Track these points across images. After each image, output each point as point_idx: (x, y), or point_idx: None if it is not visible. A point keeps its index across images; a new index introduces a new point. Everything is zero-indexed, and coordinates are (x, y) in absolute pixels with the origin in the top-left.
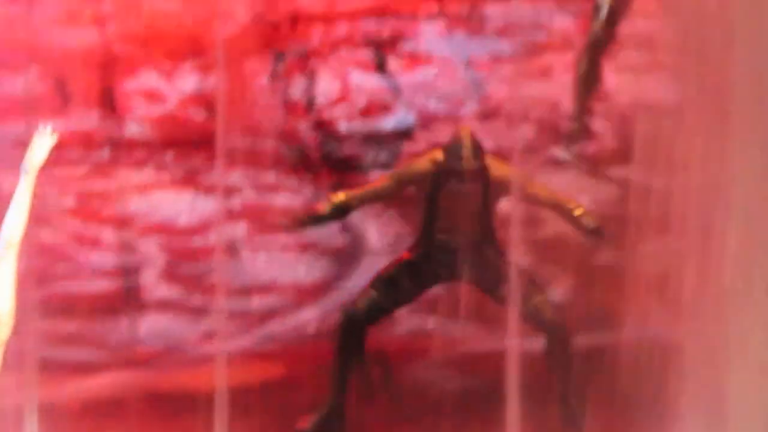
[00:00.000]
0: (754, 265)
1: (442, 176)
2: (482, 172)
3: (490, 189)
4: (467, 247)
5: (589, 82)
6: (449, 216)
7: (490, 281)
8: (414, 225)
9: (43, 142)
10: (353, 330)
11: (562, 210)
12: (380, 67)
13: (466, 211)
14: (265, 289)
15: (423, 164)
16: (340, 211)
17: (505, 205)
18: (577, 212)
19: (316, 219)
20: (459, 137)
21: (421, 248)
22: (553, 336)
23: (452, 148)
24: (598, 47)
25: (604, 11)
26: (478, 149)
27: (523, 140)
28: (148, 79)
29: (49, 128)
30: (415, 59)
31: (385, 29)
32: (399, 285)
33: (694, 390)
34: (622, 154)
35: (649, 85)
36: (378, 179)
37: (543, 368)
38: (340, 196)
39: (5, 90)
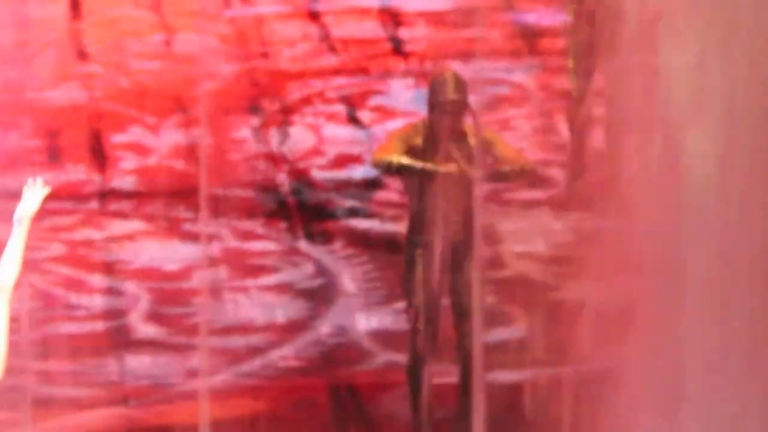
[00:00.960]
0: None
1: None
2: (463, 104)
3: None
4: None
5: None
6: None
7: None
8: (387, 270)
9: (33, 194)
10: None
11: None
12: (352, 120)
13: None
14: (245, 328)
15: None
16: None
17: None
18: (526, 167)
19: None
20: (443, 74)
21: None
22: (464, 363)
23: (436, 84)
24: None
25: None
26: (460, 84)
27: (487, 188)
28: (135, 133)
29: (39, 180)
30: (384, 113)
31: (356, 86)
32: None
33: (649, 419)
34: (578, 200)
35: (601, 135)
36: (384, 146)
37: (509, 399)
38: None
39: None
